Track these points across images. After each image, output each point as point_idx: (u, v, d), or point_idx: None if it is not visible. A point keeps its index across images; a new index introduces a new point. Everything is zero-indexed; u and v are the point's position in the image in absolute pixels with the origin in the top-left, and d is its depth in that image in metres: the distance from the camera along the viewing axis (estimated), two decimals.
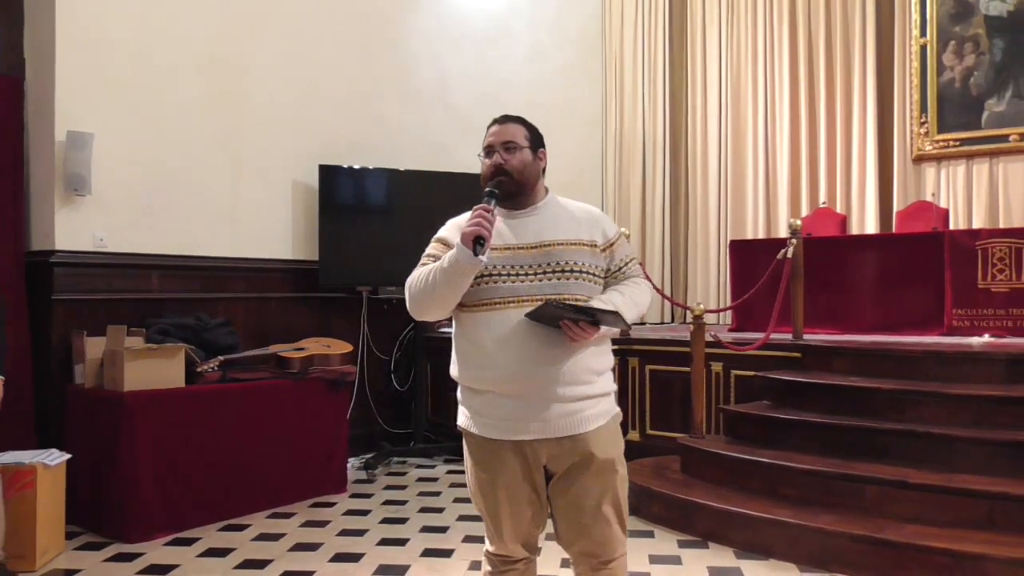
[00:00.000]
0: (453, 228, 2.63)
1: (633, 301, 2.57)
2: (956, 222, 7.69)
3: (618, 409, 2.66)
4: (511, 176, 2.54)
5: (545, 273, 2.48)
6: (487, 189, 2.53)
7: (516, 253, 2.51)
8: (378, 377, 7.20)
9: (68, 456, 4.60)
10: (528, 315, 2.41)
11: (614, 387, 2.65)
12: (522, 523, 2.59)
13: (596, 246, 2.56)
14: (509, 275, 2.49)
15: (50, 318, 5.29)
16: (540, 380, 2.44)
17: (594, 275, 2.54)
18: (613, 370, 2.68)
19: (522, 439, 2.49)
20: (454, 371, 2.62)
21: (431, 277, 2.49)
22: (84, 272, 5.41)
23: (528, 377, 2.44)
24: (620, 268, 2.63)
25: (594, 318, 2.40)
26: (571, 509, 2.55)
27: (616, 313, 2.43)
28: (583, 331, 2.39)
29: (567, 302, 2.43)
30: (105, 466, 4.83)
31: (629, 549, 2.73)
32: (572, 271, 2.49)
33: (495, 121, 2.64)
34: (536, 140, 2.63)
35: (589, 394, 2.50)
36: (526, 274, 2.49)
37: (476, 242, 2.35)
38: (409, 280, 2.58)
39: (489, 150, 2.59)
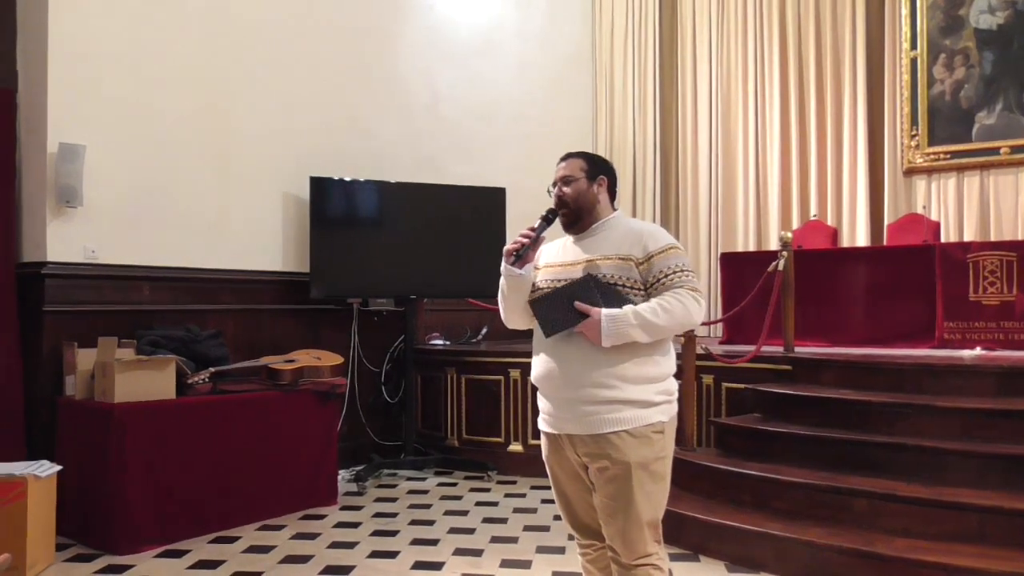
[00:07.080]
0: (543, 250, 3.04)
1: (662, 308, 2.69)
2: (947, 235, 7.72)
3: (657, 420, 2.75)
4: (567, 205, 2.91)
5: None
6: (542, 213, 2.92)
7: (565, 269, 2.86)
8: (368, 389, 7.19)
9: (59, 467, 4.59)
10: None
11: (658, 398, 2.77)
12: (576, 512, 2.94)
13: (631, 259, 2.76)
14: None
15: (41, 329, 5.28)
16: (566, 381, 2.75)
17: (627, 287, 2.75)
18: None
19: (561, 433, 2.81)
20: None
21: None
22: (75, 283, 5.40)
23: (557, 377, 2.77)
24: (659, 280, 2.75)
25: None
26: (598, 505, 2.82)
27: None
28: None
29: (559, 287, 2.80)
30: (95, 478, 4.81)
31: None
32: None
33: (561, 159, 3.00)
34: (594, 170, 2.95)
35: (612, 398, 2.69)
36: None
37: (515, 256, 2.81)
38: None
39: (555, 184, 2.96)
